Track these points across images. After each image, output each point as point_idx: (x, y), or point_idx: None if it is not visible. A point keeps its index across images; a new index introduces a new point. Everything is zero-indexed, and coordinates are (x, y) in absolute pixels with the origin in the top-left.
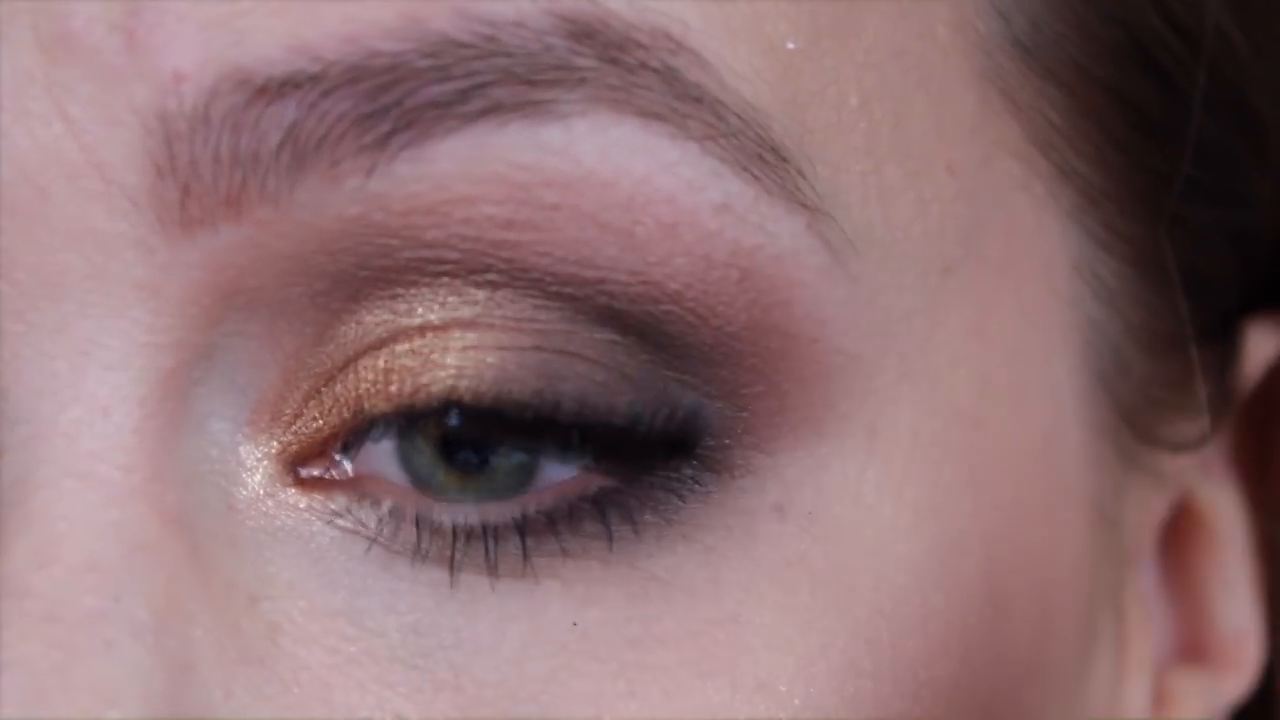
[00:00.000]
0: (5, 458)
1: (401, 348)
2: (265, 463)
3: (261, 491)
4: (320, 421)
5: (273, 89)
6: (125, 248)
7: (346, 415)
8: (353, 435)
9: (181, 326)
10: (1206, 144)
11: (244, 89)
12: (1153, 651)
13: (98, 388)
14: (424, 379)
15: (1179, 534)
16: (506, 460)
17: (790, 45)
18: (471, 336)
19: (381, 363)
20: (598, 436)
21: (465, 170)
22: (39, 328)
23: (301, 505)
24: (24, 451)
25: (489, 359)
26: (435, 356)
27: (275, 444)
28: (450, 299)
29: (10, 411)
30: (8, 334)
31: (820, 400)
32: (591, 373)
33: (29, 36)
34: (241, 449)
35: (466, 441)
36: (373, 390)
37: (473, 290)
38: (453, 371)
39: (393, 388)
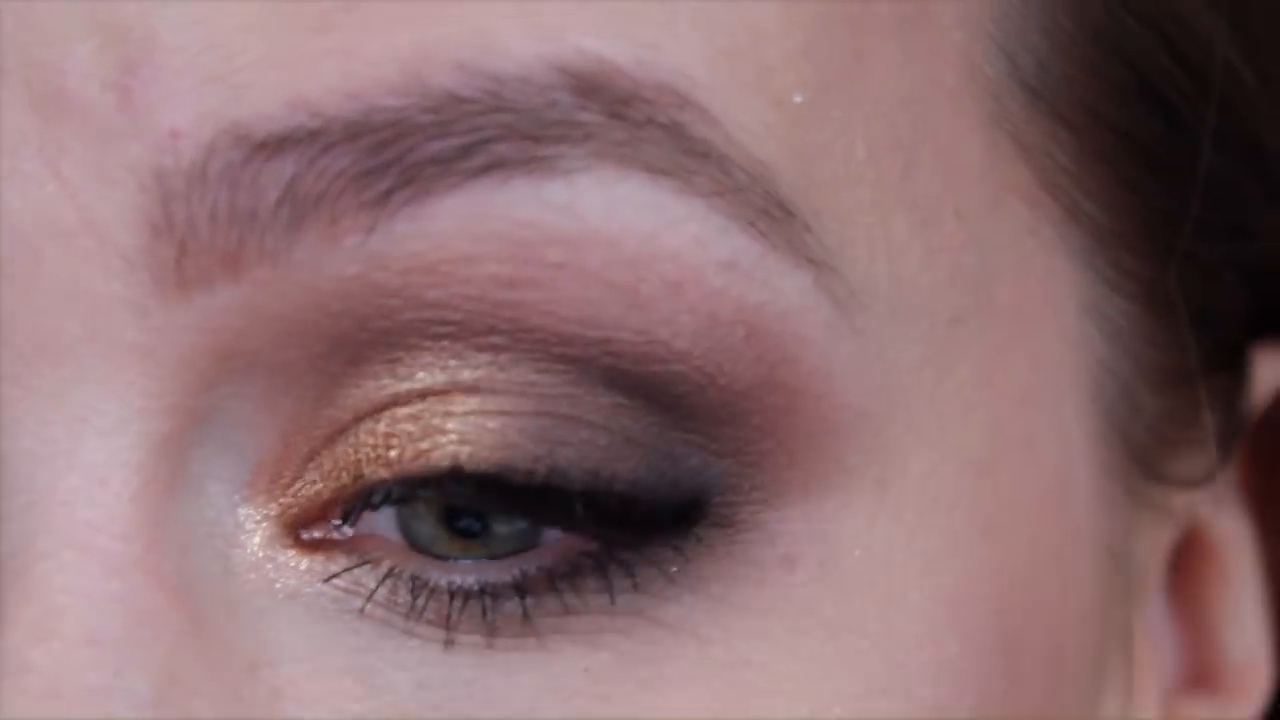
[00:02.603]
0: (5, 526)
1: (402, 411)
2: (264, 525)
3: (260, 555)
4: (320, 485)
5: (272, 145)
6: (120, 309)
7: (346, 480)
8: (352, 501)
9: (178, 390)
10: (1215, 180)
11: (242, 145)
12: (1161, 680)
13: (95, 455)
14: (424, 445)
15: (1187, 562)
16: (508, 526)
17: (798, 98)
18: (473, 402)
19: (382, 427)
20: (601, 505)
21: (467, 228)
22: (36, 392)
23: (302, 567)
24: (23, 520)
25: (490, 424)
26: (436, 422)
27: (274, 506)
28: (452, 363)
29: (9, 478)
30: (6, 399)
31: (827, 456)
32: (595, 438)
33: (22, 95)
34: (240, 511)
35: (468, 508)
36: (372, 456)
37: (475, 354)
38: (454, 438)
39: (392, 453)
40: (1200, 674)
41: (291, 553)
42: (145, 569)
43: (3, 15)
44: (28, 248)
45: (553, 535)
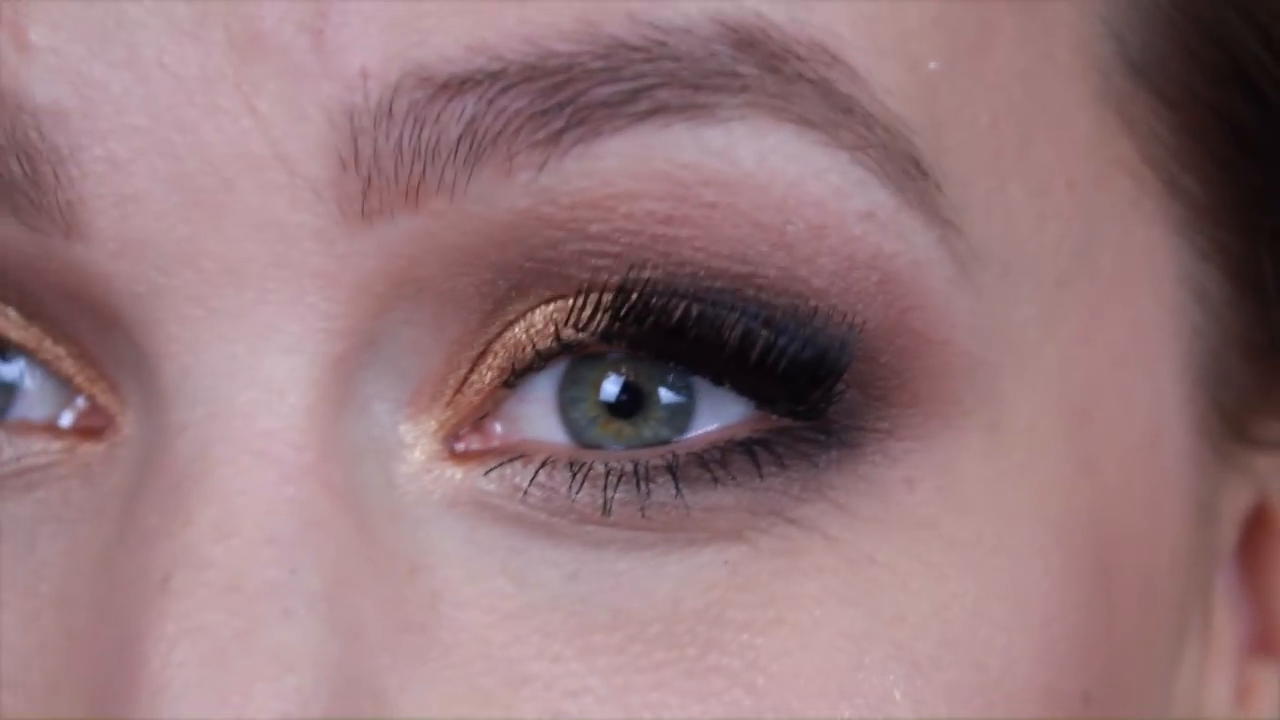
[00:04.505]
0: (186, 434)
1: (560, 302)
2: (424, 440)
3: (419, 467)
4: (481, 382)
5: (454, 85)
6: (306, 238)
7: (507, 363)
8: (516, 375)
9: (354, 314)
10: None
11: (426, 85)
12: (1235, 642)
13: (274, 370)
14: (587, 309)
15: (1258, 532)
16: (658, 408)
17: (931, 65)
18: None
19: (547, 308)
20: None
21: (630, 167)
22: (220, 313)
23: (458, 477)
24: (203, 429)
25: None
26: (596, 297)
27: (433, 422)
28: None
29: (191, 391)
30: (191, 318)
31: (948, 397)
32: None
33: (221, 36)
34: (401, 428)
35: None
36: (536, 332)
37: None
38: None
39: (554, 327)
40: (1267, 641)
41: (449, 464)
42: (317, 477)
43: None
44: (221, 178)
45: (703, 429)
